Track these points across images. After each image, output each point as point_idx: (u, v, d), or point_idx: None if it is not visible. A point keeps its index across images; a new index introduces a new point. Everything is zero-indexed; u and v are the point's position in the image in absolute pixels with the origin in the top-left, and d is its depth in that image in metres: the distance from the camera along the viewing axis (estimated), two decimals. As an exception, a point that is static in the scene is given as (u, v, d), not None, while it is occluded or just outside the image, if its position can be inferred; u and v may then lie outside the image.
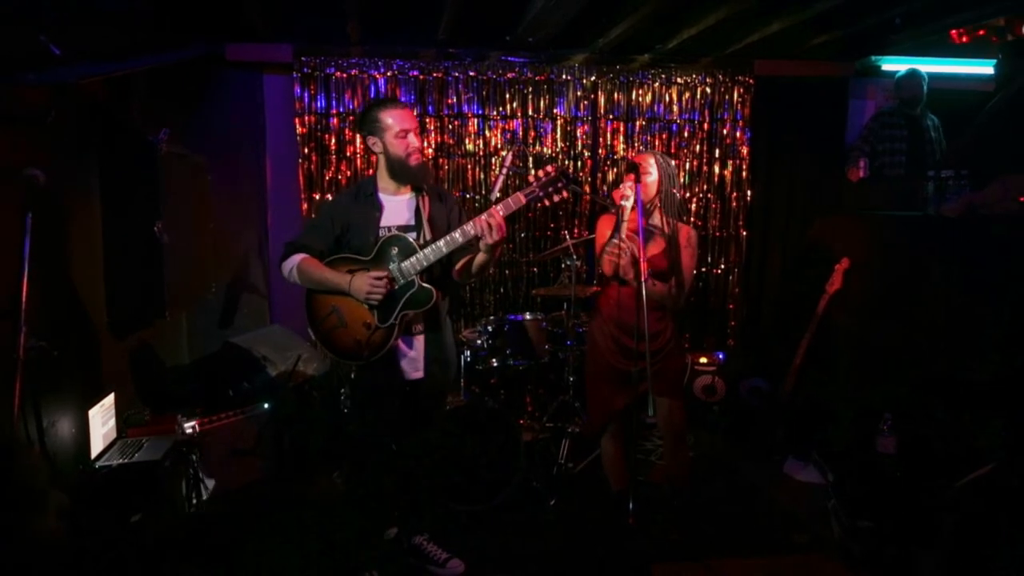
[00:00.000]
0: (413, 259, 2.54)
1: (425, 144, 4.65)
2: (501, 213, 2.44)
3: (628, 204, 2.82)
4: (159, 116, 3.63)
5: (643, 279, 2.63)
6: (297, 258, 2.65)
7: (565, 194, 2.50)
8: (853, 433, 3.50)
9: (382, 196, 2.68)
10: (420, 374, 2.72)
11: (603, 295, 3.11)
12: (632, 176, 2.80)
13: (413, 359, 2.71)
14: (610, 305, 3.01)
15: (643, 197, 2.84)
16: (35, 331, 2.20)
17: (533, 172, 2.49)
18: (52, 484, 2.52)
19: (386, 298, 2.54)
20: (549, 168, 2.47)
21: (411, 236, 2.59)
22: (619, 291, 2.99)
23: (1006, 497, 2.60)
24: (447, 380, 2.86)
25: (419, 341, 2.70)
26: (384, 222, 2.64)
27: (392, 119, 2.58)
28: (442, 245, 2.51)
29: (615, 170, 4.90)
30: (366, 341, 2.58)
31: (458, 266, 2.67)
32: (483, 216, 2.43)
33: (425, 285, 2.56)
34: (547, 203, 2.49)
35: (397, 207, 2.67)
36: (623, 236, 2.84)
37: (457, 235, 2.49)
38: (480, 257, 2.58)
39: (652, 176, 2.95)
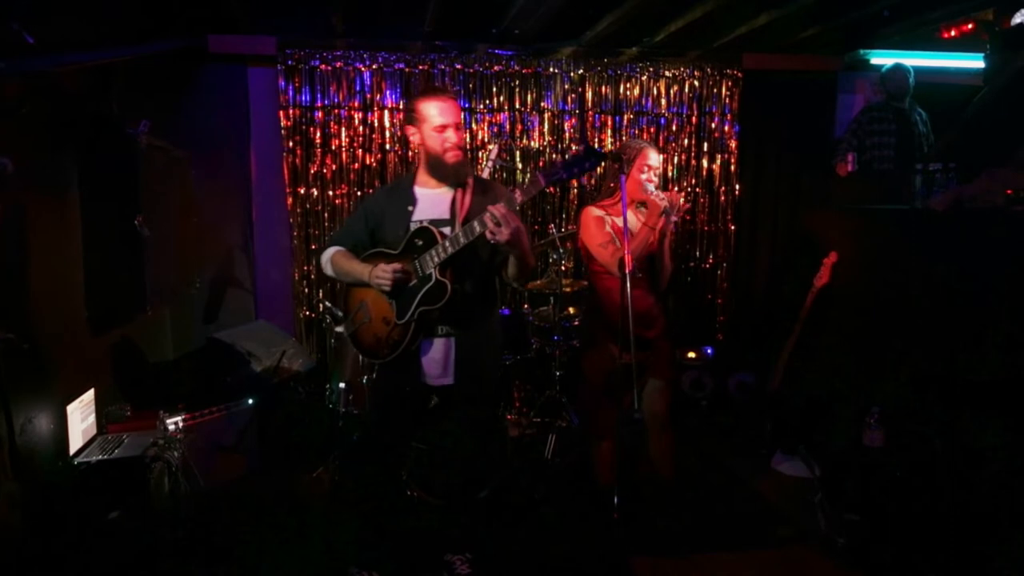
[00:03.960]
0: (432, 251, 2.36)
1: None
2: (519, 196, 2.26)
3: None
4: (140, 109, 3.58)
5: (627, 270, 2.62)
6: (331, 251, 2.62)
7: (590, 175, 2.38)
8: (845, 429, 3.49)
9: (418, 190, 2.53)
10: (448, 380, 2.53)
11: (606, 291, 3.00)
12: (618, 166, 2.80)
13: (437, 362, 2.52)
14: (617, 299, 2.83)
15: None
16: (6, 324, 2.15)
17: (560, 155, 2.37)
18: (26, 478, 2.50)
19: (405, 293, 2.41)
20: (577, 147, 2.34)
21: (444, 230, 2.41)
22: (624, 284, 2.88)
23: (1006, 497, 2.59)
24: (482, 388, 2.61)
25: (444, 344, 2.51)
26: (416, 216, 2.48)
27: (431, 110, 2.42)
28: (460, 236, 2.31)
29: (603, 163, 4.86)
30: (385, 338, 2.48)
31: (503, 269, 2.53)
32: (498, 204, 2.24)
33: (441, 279, 2.36)
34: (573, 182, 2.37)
35: (432, 200, 2.51)
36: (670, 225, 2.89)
37: (476, 224, 2.27)
38: (510, 257, 2.42)
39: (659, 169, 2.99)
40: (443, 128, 2.41)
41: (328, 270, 2.63)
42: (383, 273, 2.37)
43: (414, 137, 2.49)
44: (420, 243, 2.41)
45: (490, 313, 2.63)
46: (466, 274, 2.46)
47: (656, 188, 2.91)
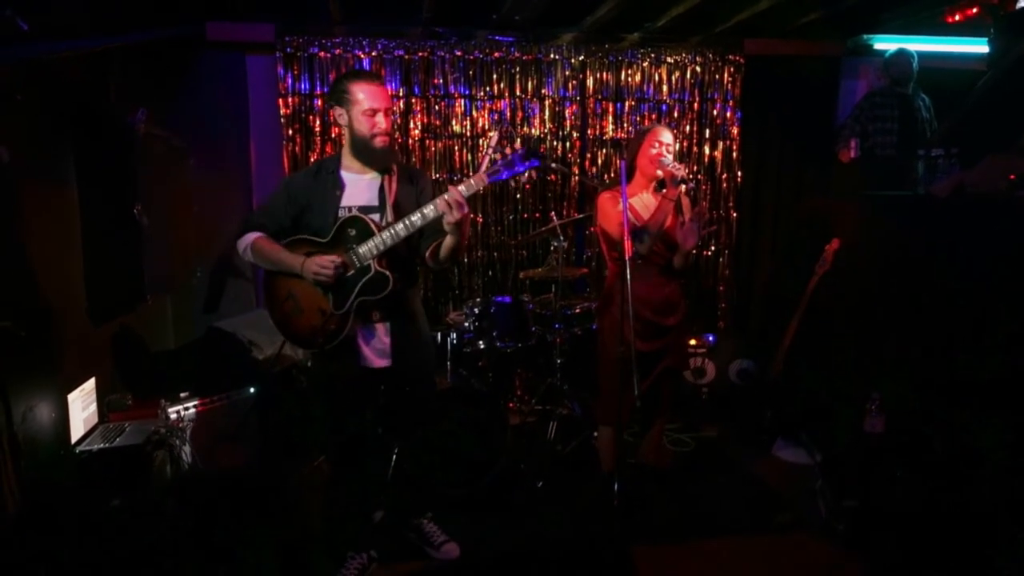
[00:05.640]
0: (370, 243, 2.38)
1: (411, 126, 4.58)
2: (462, 191, 2.31)
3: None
4: (138, 97, 3.57)
5: (627, 256, 2.61)
6: (251, 236, 2.51)
7: (533, 174, 2.40)
8: (846, 416, 3.47)
9: (344, 174, 2.51)
10: (386, 362, 2.57)
11: (619, 278, 2.90)
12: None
13: (376, 348, 2.56)
14: (638, 286, 2.81)
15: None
16: (4, 313, 2.15)
17: (501, 150, 2.37)
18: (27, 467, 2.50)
19: (341, 283, 2.41)
20: (517, 145, 2.35)
21: (374, 218, 2.44)
22: (643, 270, 2.92)
23: (1006, 497, 2.58)
24: (424, 369, 2.70)
25: (381, 329, 2.56)
26: (345, 202, 2.48)
27: (363, 94, 2.41)
28: (400, 228, 2.35)
29: (604, 151, 4.85)
30: (320, 327, 2.45)
31: (428, 252, 2.53)
32: (443, 195, 2.31)
33: (382, 271, 2.40)
34: (512, 182, 2.40)
35: (360, 186, 2.51)
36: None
37: (415, 218, 2.34)
38: (448, 240, 2.41)
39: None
40: (374, 112, 2.41)
41: (248, 256, 2.53)
42: (322, 268, 2.37)
43: (341, 119, 2.47)
44: (352, 232, 2.41)
45: (415, 295, 2.68)
46: (396, 260, 2.48)
47: (673, 160, 2.89)
